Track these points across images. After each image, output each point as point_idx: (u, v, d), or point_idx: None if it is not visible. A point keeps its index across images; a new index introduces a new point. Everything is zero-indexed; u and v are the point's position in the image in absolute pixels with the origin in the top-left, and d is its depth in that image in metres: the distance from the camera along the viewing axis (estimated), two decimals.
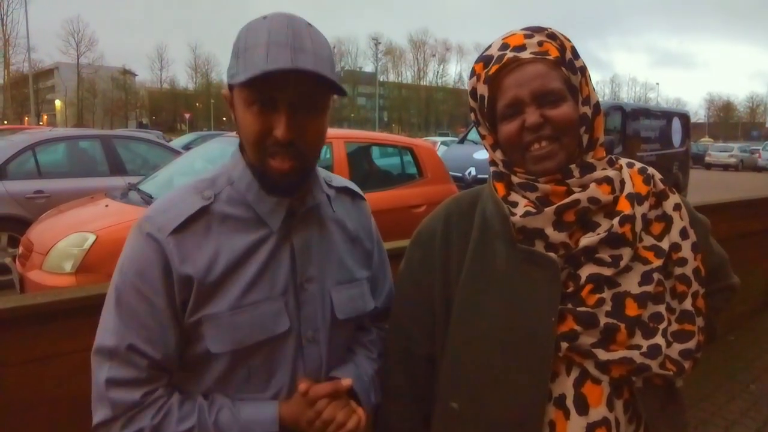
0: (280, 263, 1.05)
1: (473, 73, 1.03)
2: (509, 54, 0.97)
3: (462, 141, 10.44)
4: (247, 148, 1.03)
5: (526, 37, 0.99)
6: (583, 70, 1.01)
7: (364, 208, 1.26)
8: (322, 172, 1.19)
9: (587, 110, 0.99)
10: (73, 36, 75.63)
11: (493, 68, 0.98)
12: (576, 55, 1.00)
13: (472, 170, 8.28)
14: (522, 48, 0.98)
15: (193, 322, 0.99)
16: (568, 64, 0.99)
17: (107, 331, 0.99)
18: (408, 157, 5.85)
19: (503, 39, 1.00)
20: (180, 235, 0.99)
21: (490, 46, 1.02)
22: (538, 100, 0.96)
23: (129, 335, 0.97)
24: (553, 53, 0.97)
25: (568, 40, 1.01)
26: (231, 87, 1.01)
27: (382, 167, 6.52)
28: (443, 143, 18.79)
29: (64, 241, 3.93)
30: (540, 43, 0.98)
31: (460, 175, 7.99)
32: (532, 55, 0.96)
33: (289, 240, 1.06)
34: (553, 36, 1.00)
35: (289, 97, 0.96)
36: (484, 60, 1.01)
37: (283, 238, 1.05)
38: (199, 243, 1.00)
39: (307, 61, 0.94)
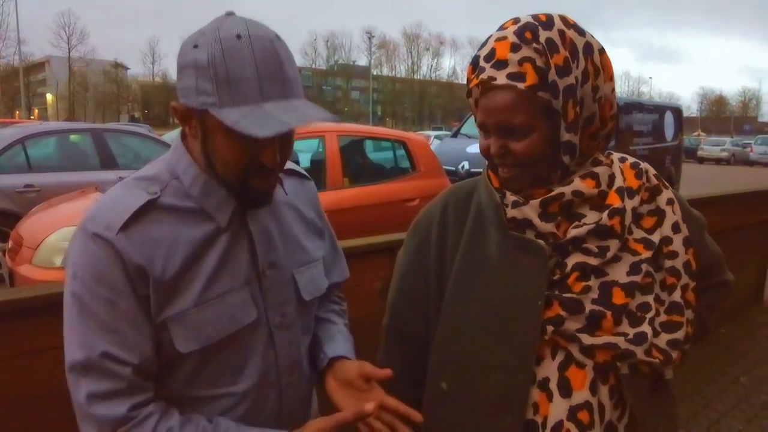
0: (239, 253, 1.02)
1: (467, 71, 1.03)
2: (486, 73, 0.95)
3: (455, 135, 10.44)
4: (222, 170, 0.96)
5: (513, 48, 0.93)
6: (572, 89, 0.94)
7: (312, 189, 1.25)
8: None
9: (571, 136, 0.96)
10: (65, 29, 75.14)
11: (473, 82, 0.99)
12: (567, 70, 0.93)
13: (465, 164, 8.29)
14: (503, 64, 0.94)
15: (158, 323, 0.94)
16: (549, 87, 0.93)
17: (74, 345, 0.91)
18: (401, 151, 5.85)
19: (495, 40, 0.97)
20: (130, 231, 0.92)
21: (486, 41, 0.99)
22: (500, 131, 0.97)
23: (100, 344, 0.90)
24: (530, 78, 0.92)
25: (568, 46, 0.94)
26: (198, 110, 0.92)
27: (375, 161, 6.52)
28: (437, 137, 18.80)
29: (54, 236, 3.91)
30: (521, 62, 0.93)
31: (453, 168, 8.00)
32: (506, 80, 0.93)
33: (245, 228, 1.03)
34: (545, 48, 0.93)
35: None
36: (473, 64, 1.00)
37: (239, 227, 1.03)
38: (151, 238, 0.94)
39: (296, 90, 0.95)
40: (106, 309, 0.91)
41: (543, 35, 0.94)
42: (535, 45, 0.93)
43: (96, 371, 0.90)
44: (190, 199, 0.99)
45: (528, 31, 0.94)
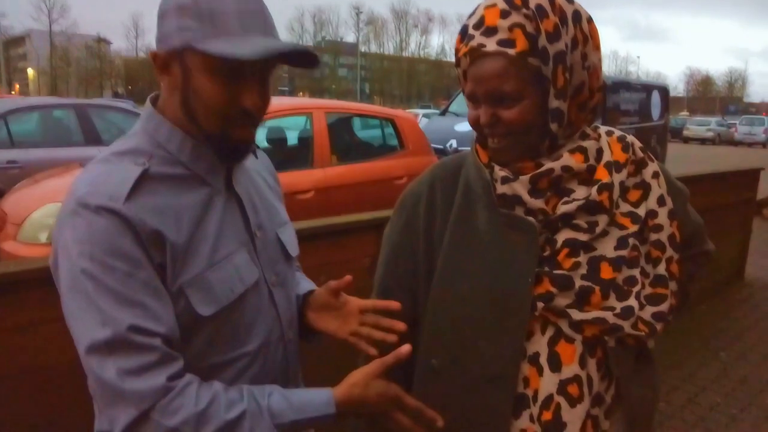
0: (234, 215, 1.03)
1: (456, 42, 1.02)
2: (476, 40, 0.95)
3: (443, 113, 10.40)
4: (203, 117, 0.95)
5: (502, 14, 0.93)
6: (561, 55, 0.93)
7: (268, 160, 1.27)
8: None
9: (560, 103, 0.96)
10: (45, 2, 73.38)
11: (462, 51, 0.98)
12: (557, 35, 0.93)
13: (453, 142, 8.27)
14: (492, 31, 0.93)
15: (174, 292, 0.91)
16: (540, 52, 0.92)
17: (94, 324, 0.84)
18: (389, 129, 5.82)
19: (485, 8, 0.96)
20: (136, 199, 0.89)
21: (475, 10, 0.99)
22: (491, 99, 0.96)
23: (125, 317, 0.84)
24: (520, 44, 0.92)
25: (558, 12, 0.94)
26: (177, 50, 0.92)
27: (363, 139, 6.48)
28: (425, 116, 18.72)
29: (39, 212, 3.87)
30: (511, 28, 0.92)
31: (441, 147, 7.98)
32: (495, 47, 0.93)
33: (233, 192, 1.05)
34: (534, 13, 0.92)
35: (261, 68, 0.94)
36: (461, 33, 0.99)
37: (227, 191, 1.04)
38: (156, 206, 0.91)
39: (273, 30, 0.95)
40: (125, 282, 0.86)
41: (533, 1, 0.93)
42: (524, 11, 0.93)
43: (125, 347, 0.84)
44: (181, 165, 0.98)
45: (512, 4, 0.94)
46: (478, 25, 0.96)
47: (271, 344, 1.07)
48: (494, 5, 0.95)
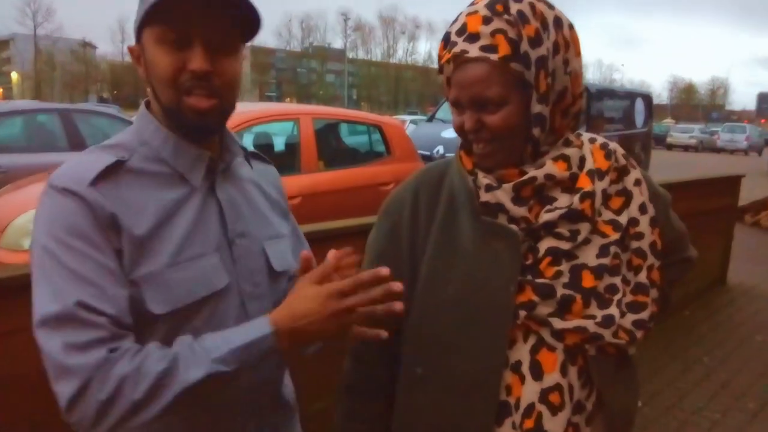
0: (209, 219, 1.02)
1: (438, 49, 1.03)
2: (459, 46, 0.96)
3: (430, 120, 10.45)
4: (160, 91, 0.97)
5: (484, 21, 0.94)
6: (543, 60, 0.94)
7: (275, 173, 1.26)
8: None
9: (542, 108, 0.97)
10: (30, 6, 72.73)
11: (445, 58, 0.99)
12: (538, 41, 0.94)
13: (440, 149, 8.31)
14: (475, 38, 0.94)
15: (129, 283, 0.91)
16: (521, 57, 0.93)
17: (46, 297, 0.86)
18: (376, 135, 5.83)
19: (467, 14, 0.98)
20: (100, 185, 0.91)
21: (457, 18, 1.00)
22: (475, 105, 0.97)
23: (74, 293, 0.85)
24: (503, 49, 0.93)
25: (539, 18, 0.95)
26: (139, 35, 0.97)
27: (350, 145, 6.49)
28: (412, 122, 18.77)
29: (22, 218, 3.82)
30: (493, 34, 0.93)
31: (428, 153, 8.02)
32: (478, 52, 0.94)
33: (214, 196, 1.04)
34: (516, 19, 0.93)
35: (204, 32, 0.94)
36: (444, 40, 1.00)
37: (208, 194, 1.03)
38: (122, 195, 0.93)
39: None
40: (80, 261, 0.88)
41: (514, 7, 0.94)
42: (506, 17, 0.94)
43: (73, 322, 0.85)
44: (162, 162, 1.00)
45: (499, 4, 0.95)
46: (460, 32, 0.97)
47: None
48: (476, 12, 0.96)
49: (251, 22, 1.00)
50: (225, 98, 0.99)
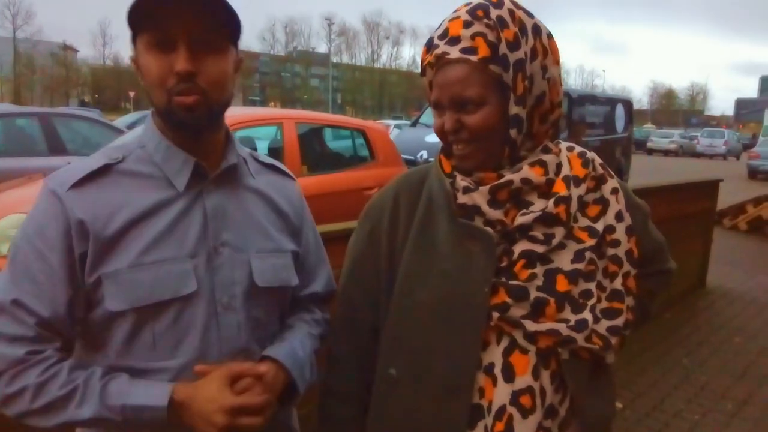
0: (190, 225, 1.03)
1: (422, 54, 1.05)
2: (440, 49, 0.99)
3: (414, 124, 10.48)
4: (152, 95, 1.02)
5: (465, 25, 0.98)
6: (521, 63, 0.97)
7: (294, 187, 1.26)
8: (248, 150, 1.21)
9: (519, 110, 0.99)
10: (9, 8, 71.76)
11: (427, 60, 1.01)
12: (516, 45, 0.97)
13: (424, 153, 8.34)
14: (455, 41, 0.98)
15: (92, 282, 0.97)
16: (500, 60, 0.96)
17: None
18: (360, 140, 5.84)
19: (449, 20, 1.01)
20: (81, 188, 0.99)
21: (440, 24, 1.02)
22: (455, 105, 1.00)
23: (16, 290, 0.96)
24: (482, 51, 0.96)
25: (518, 24, 0.98)
26: (134, 44, 1.02)
27: (334, 149, 6.49)
28: (396, 126, 18.81)
29: (1, 223, 3.77)
30: (473, 36, 0.97)
31: (412, 158, 8.04)
32: (459, 54, 0.97)
33: (201, 202, 1.05)
34: (495, 23, 0.97)
35: (186, 34, 0.97)
36: (427, 45, 1.03)
37: (195, 200, 1.05)
38: (101, 197, 0.99)
39: None
40: (35, 260, 0.97)
41: (494, 13, 0.98)
42: (486, 21, 0.97)
43: (6, 314, 0.95)
44: (152, 165, 1.04)
45: (480, 9, 0.99)
46: (442, 36, 1.00)
47: None
48: (458, 18, 1.00)
49: (235, 23, 1.02)
50: (211, 95, 1.01)
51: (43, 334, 0.96)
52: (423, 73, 1.05)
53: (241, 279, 1.07)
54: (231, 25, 1.02)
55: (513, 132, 1.00)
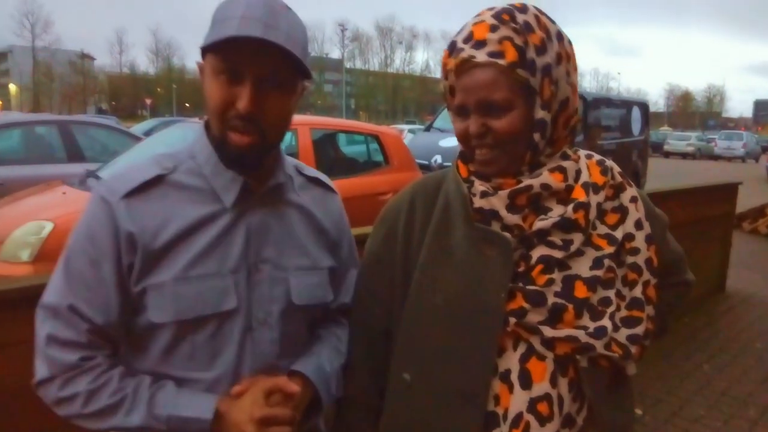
0: (233, 241, 1.04)
1: (442, 58, 1.04)
2: (466, 52, 0.97)
3: (428, 129, 10.47)
4: (210, 119, 1.03)
5: (491, 29, 0.96)
6: (548, 68, 0.97)
7: (335, 202, 1.26)
8: (294, 161, 1.21)
9: (545, 114, 0.98)
10: (28, 17, 73.11)
11: (451, 64, 1.00)
12: (543, 49, 0.96)
13: (438, 158, 8.32)
14: (482, 44, 0.96)
15: (138, 291, 0.99)
16: (528, 64, 0.95)
17: (53, 288, 1.00)
18: (374, 145, 5.85)
19: (473, 24, 0.99)
20: (132, 198, 1.00)
21: (462, 27, 1.01)
22: (481, 109, 0.98)
23: (71, 295, 0.98)
24: (510, 55, 0.95)
25: (543, 29, 0.98)
26: (204, 56, 1.02)
27: (349, 154, 6.51)
28: (410, 131, 18.81)
29: (20, 230, 3.82)
30: (500, 41, 0.95)
31: (426, 162, 8.03)
32: (486, 58, 0.95)
33: (245, 219, 1.06)
34: (522, 28, 0.96)
35: (256, 71, 0.97)
36: (450, 48, 1.01)
37: (239, 216, 1.05)
38: (150, 208, 1.00)
39: (279, 37, 0.96)
40: (88, 266, 0.98)
41: (520, 17, 0.97)
42: (513, 25, 0.96)
43: (61, 318, 0.98)
44: (201, 178, 1.05)
45: (505, 14, 0.97)
46: (466, 40, 0.98)
47: (236, 380, 1.04)
48: (482, 21, 0.98)
49: (306, 70, 1.02)
50: (268, 136, 1.02)
51: (94, 341, 0.99)
52: (445, 77, 1.03)
53: (278, 297, 1.09)
54: (302, 67, 1.01)
55: (536, 136, 0.99)
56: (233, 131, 0.99)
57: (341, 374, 1.17)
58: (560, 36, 1.01)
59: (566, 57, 1.01)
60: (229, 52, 0.96)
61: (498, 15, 0.97)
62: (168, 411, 0.97)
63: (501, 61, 0.95)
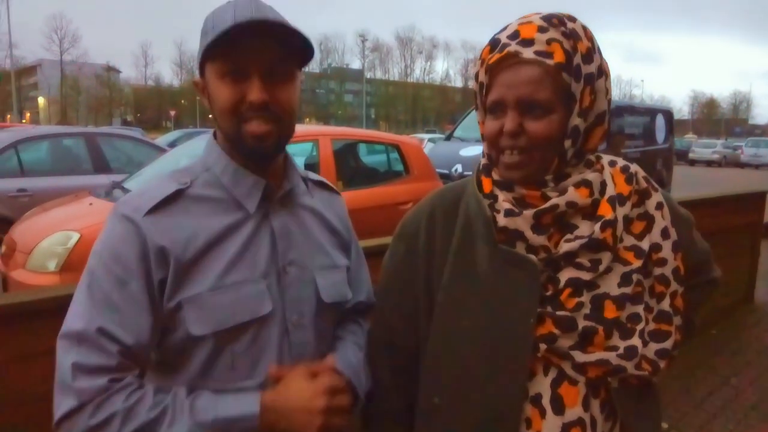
0: (260, 246, 1.05)
1: (481, 54, 1.02)
2: (512, 47, 0.95)
3: (448, 138, 10.45)
4: (221, 121, 1.04)
5: (540, 30, 0.95)
6: (591, 77, 0.96)
7: (341, 203, 1.29)
8: (300, 169, 1.23)
9: (580, 122, 0.96)
10: (56, 32, 74.90)
11: (494, 58, 0.97)
12: (589, 58, 0.95)
13: (459, 167, 8.29)
14: (529, 42, 0.94)
15: (172, 307, 0.97)
16: (573, 69, 0.94)
17: (76, 315, 0.95)
18: (394, 154, 5.86)
19: (519, 24, 0.98)
20: (156, 215, 0.99)
21: (506, 27, 1.00)
22: (521, 107, 0.95)
23: (99, 318, 0.93)
24: (558, 57, 0.93)
25: (589, 40, 0.97)
26: (202, 69, 1.05)
27: (369, 164, 6.52)
28: (430, 140, 18.80)
29: (47, 240, 3.89)
30: (549, 42, 0.94)
31: (447, 172, 8.01)
32: (533, 56, 0.93)
33: (268, 223, 1.07)
34: (571, 33, 0.95)
35: (258, 65, 1.00)
36: (492, 44, 0.99)
37: (262, 221, 1.07)
38: (176, 222, 1.00)
39: (275, 18, 1.00)
40: (115, 287, 0.95)
41: (569, 24, 0.96)
42: (562, 29, 0.95)
43: (89, 344, 0.92)
44: (221, 188, 1.06)
45: (555, 18, 0.97)
46: (512, 37, 0.96)
47: None
48: (530, 22, 0.97)
49: (305, 49, 1.05)
50: (282, 123, 1.04)
51: (124, 363, 0.94)
52: (486, 71, 0.99)
53: (309, 297, 1.10)
54: (302, 51, 1.05)
55: (568, 143, 0.97)
56: (249, 122, 1.01)
57: (366, 367, 1.17)
58: (601, 53, 1.00)
59: (606, 73, 1.00)
60: (230, 54, 0.98)
61: (548, 18, 0.97)
62: (213, 414, 0.94)
63: (549, 61, 0.93)
